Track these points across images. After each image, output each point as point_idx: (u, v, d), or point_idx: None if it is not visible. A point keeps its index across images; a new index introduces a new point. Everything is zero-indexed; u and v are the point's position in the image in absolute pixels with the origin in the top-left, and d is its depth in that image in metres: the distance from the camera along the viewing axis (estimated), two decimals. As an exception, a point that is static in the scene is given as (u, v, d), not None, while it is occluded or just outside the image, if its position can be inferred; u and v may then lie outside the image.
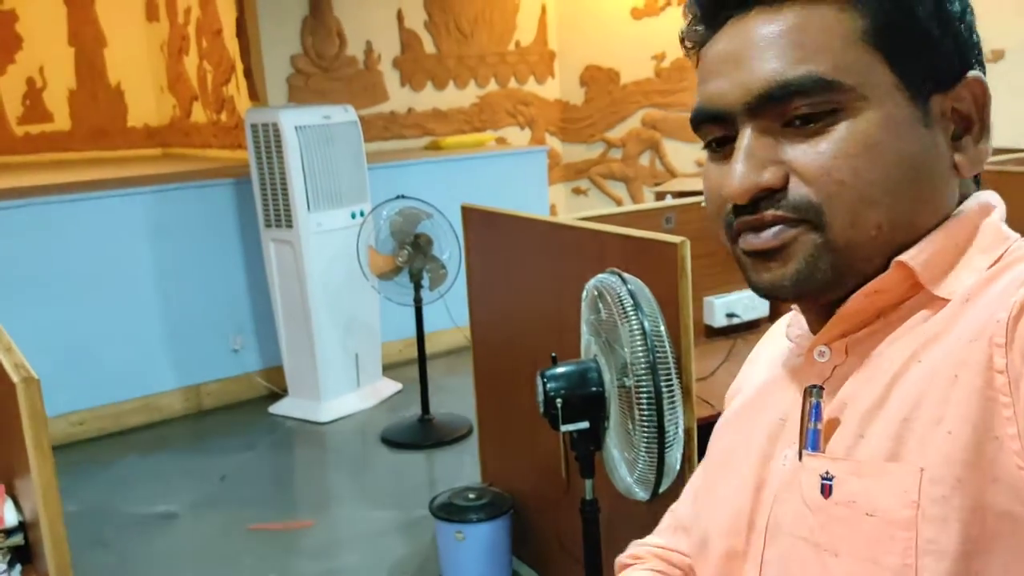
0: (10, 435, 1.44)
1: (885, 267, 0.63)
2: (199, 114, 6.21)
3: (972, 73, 0.64)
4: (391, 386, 4.23)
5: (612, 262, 1.80)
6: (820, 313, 0.68)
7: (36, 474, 1.17)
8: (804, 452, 0.64)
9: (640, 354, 1.59)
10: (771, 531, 0.67)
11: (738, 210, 0.64)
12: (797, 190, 0.62)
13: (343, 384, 4.04)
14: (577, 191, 6.02)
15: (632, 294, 1.63)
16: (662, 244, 1.79)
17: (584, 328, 1.75)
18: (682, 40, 0.71)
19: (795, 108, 0.61)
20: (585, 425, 1.70)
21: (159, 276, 4.02)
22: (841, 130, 0.61)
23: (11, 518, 1.48)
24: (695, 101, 0.68)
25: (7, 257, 3.65)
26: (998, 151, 3.66)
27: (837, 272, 0.63)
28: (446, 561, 2.55)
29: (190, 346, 4.13)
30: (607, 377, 1.67)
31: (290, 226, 3.82)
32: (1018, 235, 0.65)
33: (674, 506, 0.91)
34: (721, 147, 0.67)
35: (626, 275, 1.66)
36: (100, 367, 3.90)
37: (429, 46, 5.28)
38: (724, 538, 0.72)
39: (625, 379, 1.62)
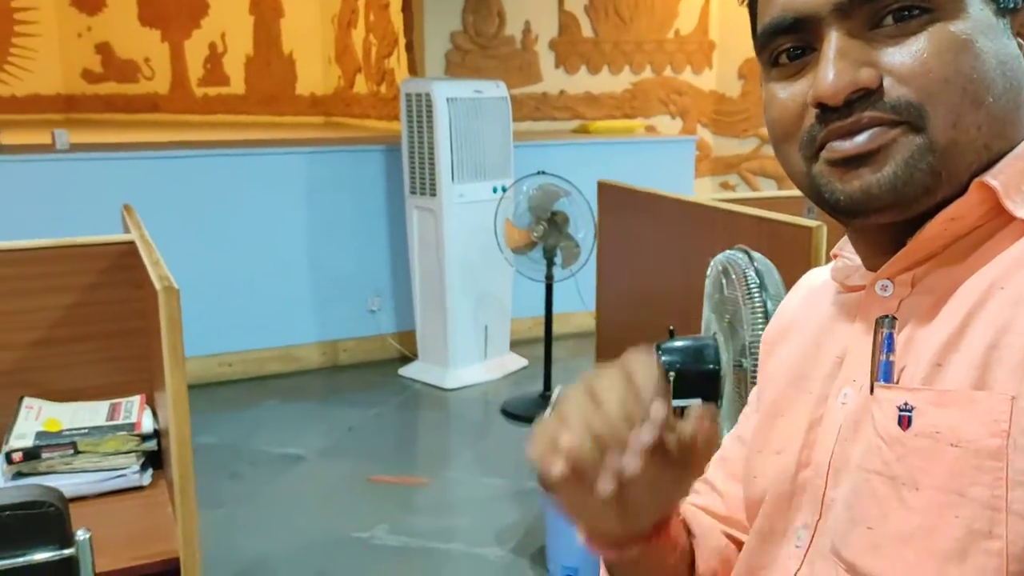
0: (153, 349, 1.56)
1: (962, 192, 0.60)
2: (361, 85, 6.45)
3: None
4: (517, 361, 4.28)
5: (744, 243, 1.75)
6: (878, 247, 0.65)
7: (168, 379, 1.26)
8: (876, 384, 0.61)
9: (761, 336, 1.54)
10: (835, 469, 0.65)
11: (826, 117, 0.60)
12: (895, 90, 0.58)
13: (471, 354, 4.12)
14: (725, 186, 5.87)
15: (759, 273, 1.58)
16: (797, 228, 1.73)
17: (706, 304, 1.72)
18: None
19: (889, 5, 0.58)
20: (697, 402, 1.66)
21: (307, 234, 4.23)
22: (938, 30, 0.58)
23: (148, 425, 1.60)
24: (765, 14, 0.64)
25: (174, 201, 3.91)
26: None
27: (935, 176, 0.59)
28: (551, 532, 2.57)
29: (331, 303, 4.31)
30: (724, 356, 1.63)
31: (434, 195, 3.92)
32: None
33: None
34: (794, 60, 0.63)
35: (754, 253, 1.62)
36: (248, 314, 4.14)
37: (587, 30, 5.28)
38: (775, 485, 0.70)
39: (743, 360, 1.58)
